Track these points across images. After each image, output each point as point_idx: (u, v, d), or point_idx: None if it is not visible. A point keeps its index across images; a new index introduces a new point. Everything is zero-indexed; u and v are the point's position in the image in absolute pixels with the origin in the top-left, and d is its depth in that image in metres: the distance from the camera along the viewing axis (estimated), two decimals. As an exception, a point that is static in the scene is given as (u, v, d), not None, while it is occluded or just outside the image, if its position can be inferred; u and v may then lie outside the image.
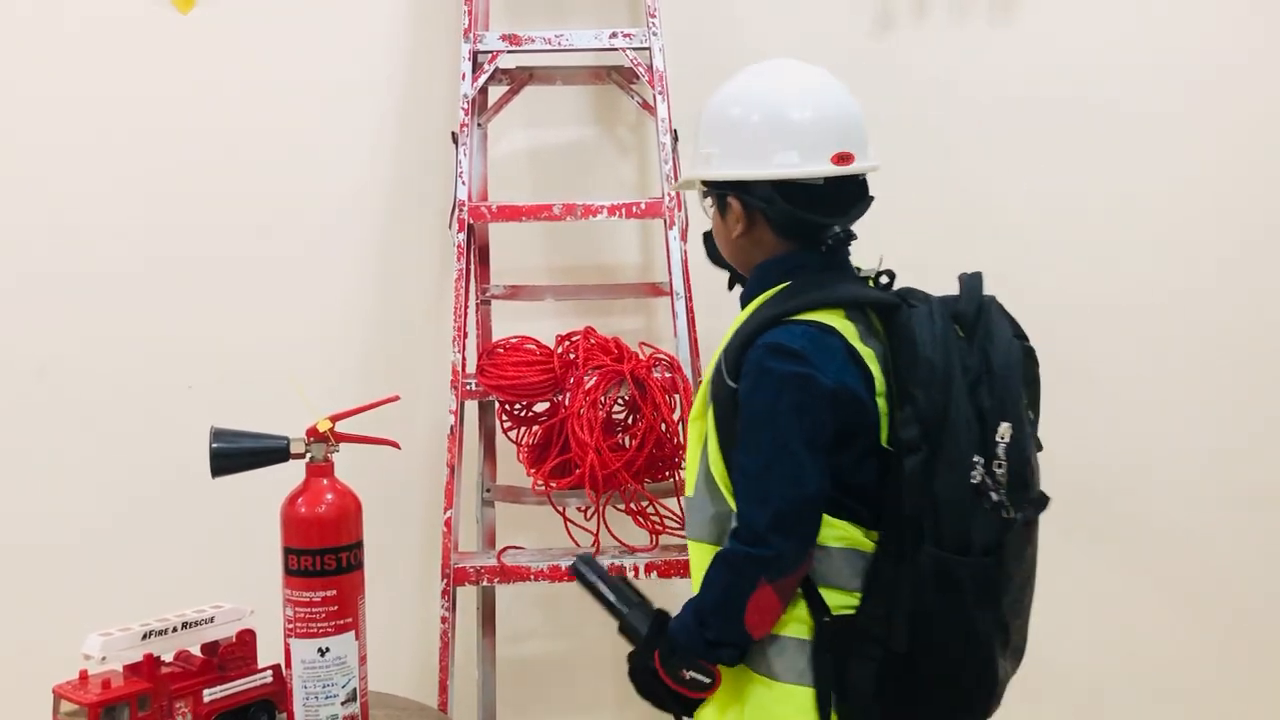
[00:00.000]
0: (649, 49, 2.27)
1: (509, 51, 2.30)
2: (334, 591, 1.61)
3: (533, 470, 2.21)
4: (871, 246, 1.61)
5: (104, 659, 1.62)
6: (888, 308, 1.51)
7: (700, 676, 1.49)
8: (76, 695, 1.58)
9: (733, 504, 1.48)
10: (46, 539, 2.54)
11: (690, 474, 1.58)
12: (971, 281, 1.55)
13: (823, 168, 1.54)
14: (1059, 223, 2.56)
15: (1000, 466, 1.43)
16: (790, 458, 1.42)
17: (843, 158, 1.54)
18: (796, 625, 1.49)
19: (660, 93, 2.25)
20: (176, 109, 2.50)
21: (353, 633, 1.64)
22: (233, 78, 2.51)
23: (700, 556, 1.55)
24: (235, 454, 1.64)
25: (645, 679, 1.54)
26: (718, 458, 1.51)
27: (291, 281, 2.54)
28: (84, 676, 1.63)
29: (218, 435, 1.65)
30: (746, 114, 1.58)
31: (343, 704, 1.63)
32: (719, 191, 1.61)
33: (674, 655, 1.51)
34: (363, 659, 1.67)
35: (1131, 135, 2.55)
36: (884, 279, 1.56)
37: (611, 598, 1.61)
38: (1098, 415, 2.56)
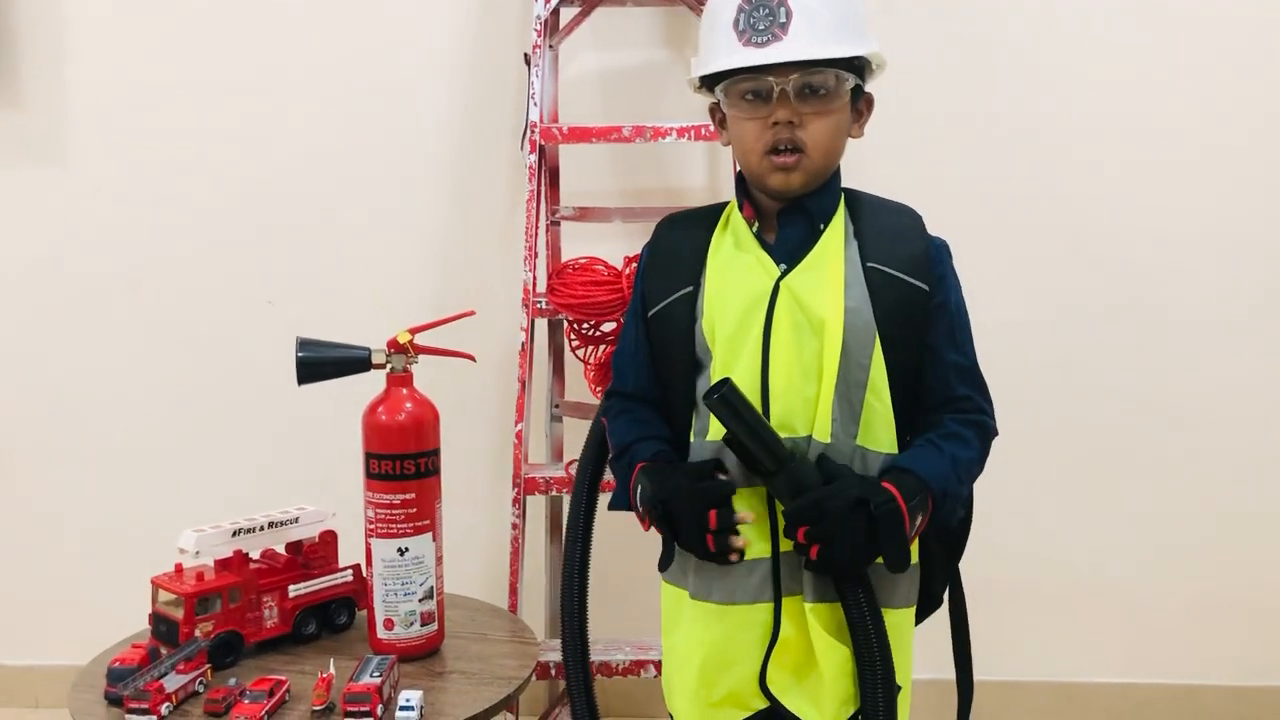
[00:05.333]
0: (720, -30, 2.27)
1: (581, -27, 2.32)
2: (412, 495, 1.69)
3: (598, 388, 2.27)
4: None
5: (197, 553, 1.72)
6: None
7: (920, 524, 1.38)
8: (173, 586, 1.69)
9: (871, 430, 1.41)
10: (144, 443, 2.68)
11: (818, 419, 1.38)
12: None
13: None
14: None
15: None
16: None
17: None
18: None
19: (731, 15, 2.26)
20: (261, 44, 2.60)
21: (430, 534, 1.72)
22: (310, 7, 2.57)
23: None
24: (320, 362, 1.70)
25: (891, 525, 1.32)
26: (883, 382, 1.41)
27: (369, 202, 2.61)
28: (179, 569, 1.74)
29: (304, 345, 1.70)
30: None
31: (420, 601, 1.71)
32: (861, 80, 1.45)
33: (914, 499, 1.35)
34: (439, 560, 1.75)
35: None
36: None
37: (769, 437, 1.32)
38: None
